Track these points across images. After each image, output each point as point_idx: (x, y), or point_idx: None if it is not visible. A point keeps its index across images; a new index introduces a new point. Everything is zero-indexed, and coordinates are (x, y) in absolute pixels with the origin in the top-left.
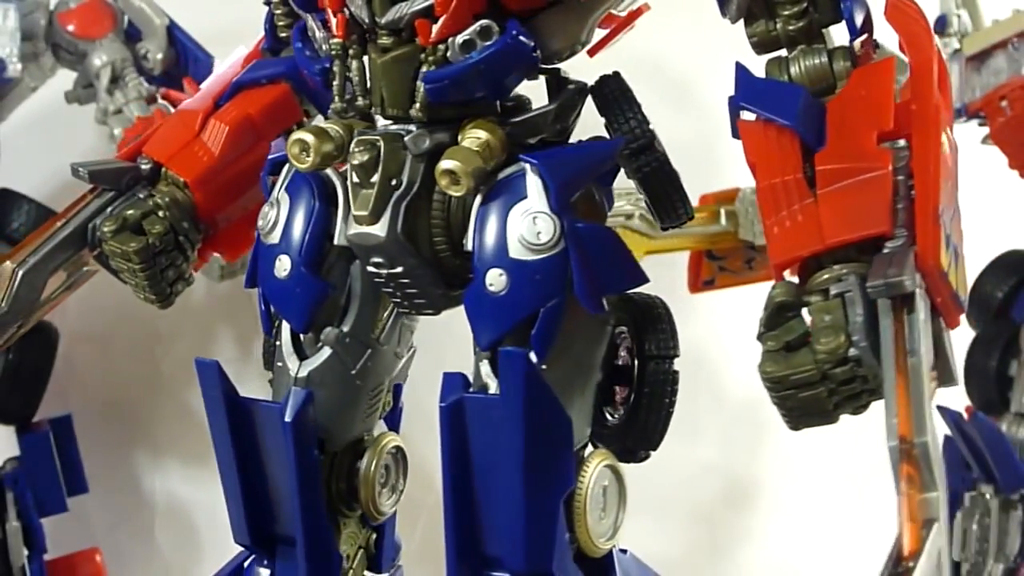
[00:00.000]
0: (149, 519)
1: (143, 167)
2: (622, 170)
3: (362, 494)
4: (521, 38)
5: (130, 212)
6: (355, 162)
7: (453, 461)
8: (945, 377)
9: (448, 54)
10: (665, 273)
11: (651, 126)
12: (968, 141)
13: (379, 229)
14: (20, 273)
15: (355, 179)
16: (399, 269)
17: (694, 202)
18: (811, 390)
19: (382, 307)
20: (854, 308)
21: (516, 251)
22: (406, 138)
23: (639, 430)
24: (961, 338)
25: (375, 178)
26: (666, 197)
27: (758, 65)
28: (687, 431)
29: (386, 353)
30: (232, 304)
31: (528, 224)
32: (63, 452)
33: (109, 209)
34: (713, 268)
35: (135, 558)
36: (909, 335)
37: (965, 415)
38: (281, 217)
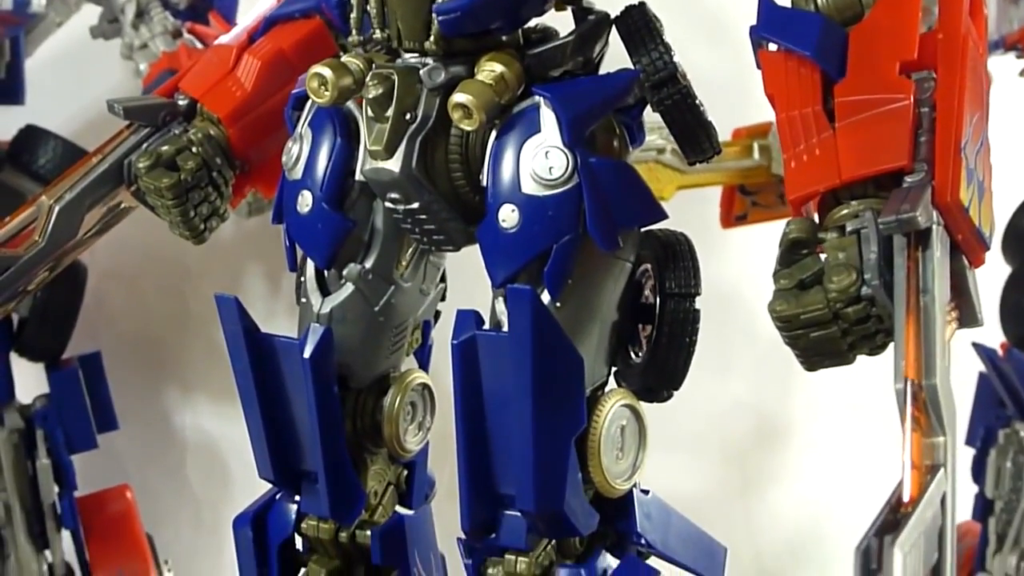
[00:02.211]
0: (179, 455)
1: (180, 103)
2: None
3: (386, 431)
4: None
5: (164, 148)
6: (369, 96)
7: (466, 399)
8: (967, 318)
9: None
10: (698, 208)
11: (676, 58)
12: (1005, 74)
13: (393, 164)
14: (57, 209)
15: (370, 113)
16: (415, 205)
17: (727, 137)
18: (823, 330)
19: (406, 244)
20: (868, 245)
21: (528, 186)
22: (421, 71)
23: (659, 369)
24: (998, 276)
25: (389, 112)
26: (690, 131)
27: None
28: (719, 368)
29: (410, 290)
30: (261, 241)
31: (540, 159)
32: (92, 389)
33: (145, 145)
34: (746, 203)
35: (165, 494)
36: (922, 273)
37: (1000, 352)
38: (304, 152)
